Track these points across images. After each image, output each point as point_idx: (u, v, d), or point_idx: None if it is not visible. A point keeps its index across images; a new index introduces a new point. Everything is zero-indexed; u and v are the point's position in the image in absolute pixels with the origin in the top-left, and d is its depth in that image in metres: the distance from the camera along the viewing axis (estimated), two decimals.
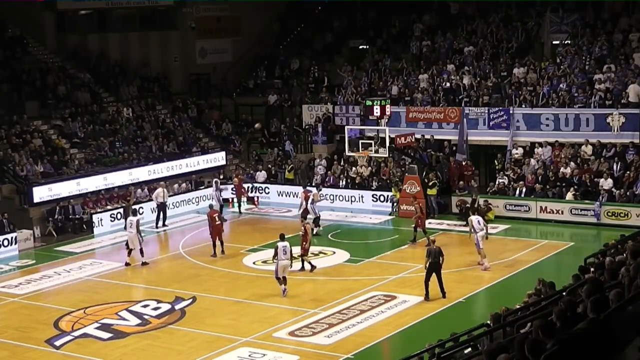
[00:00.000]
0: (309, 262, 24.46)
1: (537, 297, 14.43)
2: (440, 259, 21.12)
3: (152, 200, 31.84)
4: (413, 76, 36.32)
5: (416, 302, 21.19)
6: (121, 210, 31.22)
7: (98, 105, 37.06)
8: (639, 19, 34.32)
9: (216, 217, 26.82)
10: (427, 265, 21.07)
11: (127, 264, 25.90)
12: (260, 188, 35.09)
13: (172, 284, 23.82)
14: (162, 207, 31.39)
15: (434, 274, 21.10)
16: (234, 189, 33.97)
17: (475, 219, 24.42)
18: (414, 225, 27.09)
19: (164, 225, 31.34)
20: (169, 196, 32.09)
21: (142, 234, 26.39)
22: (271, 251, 26.41)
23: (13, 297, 23.37)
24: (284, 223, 29.88)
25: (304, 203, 29.15)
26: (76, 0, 39.74)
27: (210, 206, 28.53)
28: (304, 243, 24.27)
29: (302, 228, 24.80)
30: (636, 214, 27.80)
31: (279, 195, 34.78)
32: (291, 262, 22.44)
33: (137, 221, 25.86)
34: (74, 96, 36.62)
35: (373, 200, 32.75)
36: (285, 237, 22.76)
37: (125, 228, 27.04)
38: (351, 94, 36.79)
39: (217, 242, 26.61)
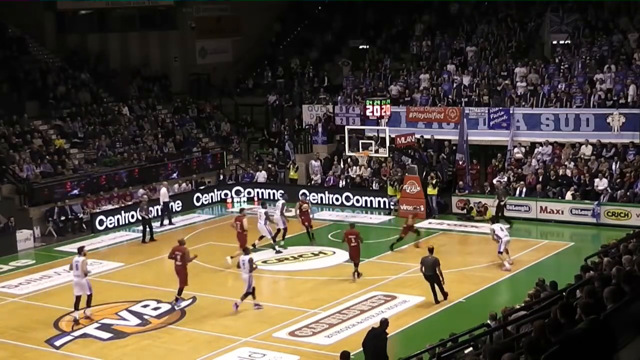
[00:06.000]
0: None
1: (535, 299, 14.41)
2: (437, 269, 20.76)
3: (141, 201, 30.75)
4: (413, 76, 36.31)
5: (416, 302, 21.20)
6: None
7: (98, 105, 37.06)
8: (639, 19, 34.32)
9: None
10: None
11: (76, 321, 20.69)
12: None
13: (172, 284, 23.74)
14: (166, 206, 31.45)
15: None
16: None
17: (497, 227, 24.01)
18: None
19: (170, 223, 31.26)
20: (170, 196, 32.07)
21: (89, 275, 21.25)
22: (270, 251, 26.61)
23: (13, 297, 23.37)
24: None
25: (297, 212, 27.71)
26: (76, 0, 39.77)
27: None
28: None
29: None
30: (636, 214, 27.79)
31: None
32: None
33: (84, 262, 20.59)
34: (74, 96, 36.62)
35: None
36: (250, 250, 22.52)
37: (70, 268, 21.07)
38: (351, 94, 36.77)
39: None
